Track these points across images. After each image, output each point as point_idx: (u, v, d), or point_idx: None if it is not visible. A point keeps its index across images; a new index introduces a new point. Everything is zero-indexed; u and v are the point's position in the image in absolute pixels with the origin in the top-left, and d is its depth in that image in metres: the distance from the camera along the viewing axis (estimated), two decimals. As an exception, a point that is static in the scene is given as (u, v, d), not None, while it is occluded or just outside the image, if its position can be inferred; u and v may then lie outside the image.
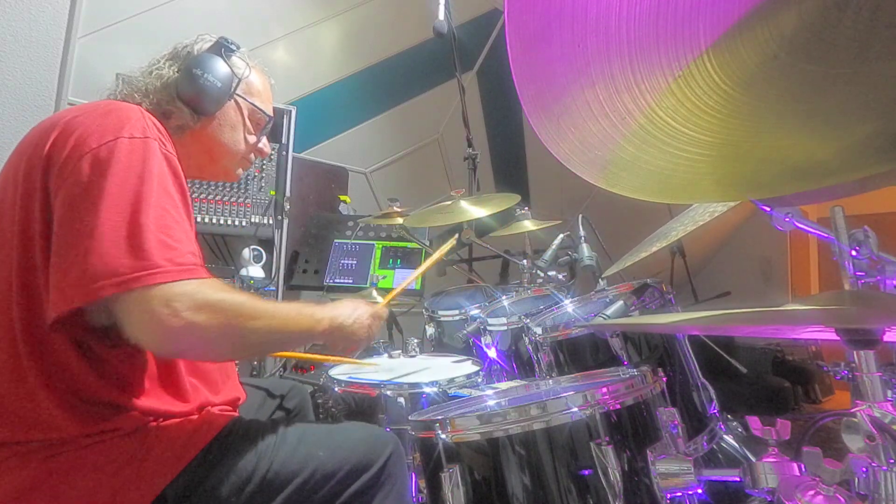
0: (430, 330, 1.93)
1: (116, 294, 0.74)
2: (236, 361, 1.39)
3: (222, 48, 1.09)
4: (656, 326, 1.17)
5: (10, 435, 0.80)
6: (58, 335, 0.81)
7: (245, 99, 1.12)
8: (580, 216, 1.75)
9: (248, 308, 0.84)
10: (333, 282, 2.46)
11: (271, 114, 1.18)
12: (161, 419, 0.89)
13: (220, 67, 1.06)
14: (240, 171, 1.18)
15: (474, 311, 1.77)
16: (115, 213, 0.77)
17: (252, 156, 1.19)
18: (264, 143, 1.20)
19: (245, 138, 1.14)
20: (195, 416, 0.93)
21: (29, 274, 0.82)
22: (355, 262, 2.51)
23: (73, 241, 0.77)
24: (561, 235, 1.84)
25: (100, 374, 0.84)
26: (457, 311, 1.87)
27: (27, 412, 0.80)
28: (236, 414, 1.03)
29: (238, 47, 1.13)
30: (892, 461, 0.61)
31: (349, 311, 1.03)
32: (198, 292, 0.78)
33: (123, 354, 0.86)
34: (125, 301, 0.75)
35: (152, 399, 0.89)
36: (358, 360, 1.59)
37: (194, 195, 2.24)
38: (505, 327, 1.59)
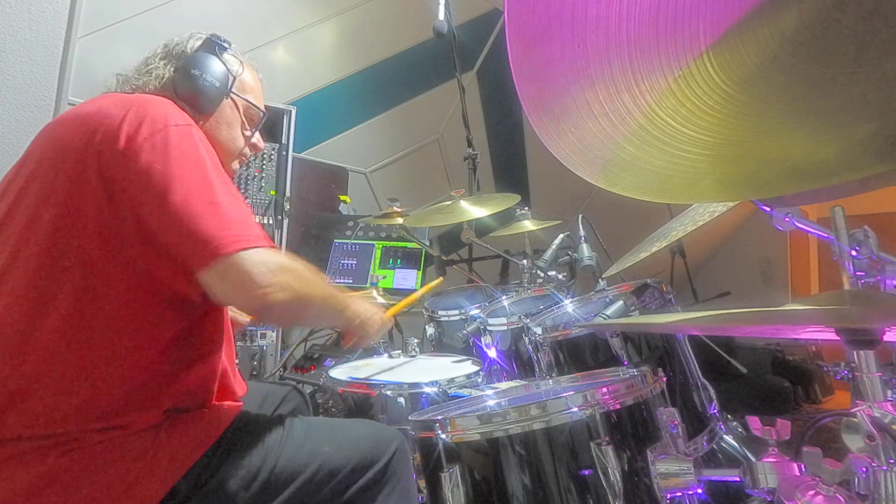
0: (430, 330, 1.93)
1: (220, 258, 0.81)
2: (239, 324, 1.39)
3: (215, 46, 1.11)
4: (656, 326, 1.17)
5: (28, 430, 0.80)
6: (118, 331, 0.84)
7: (239, 96, 1.14)
8: (580, 216, 1.75)
9: (311, 276, 0.94)
10: (334, 282, 2.46)
11: (264, 109, 1.19)
12: (172, 414, 0.89)
13: (215, 66, 1.08)
14: (236, 165, 1.20)
15: (474, 311, 1.77)
16: (195, 193, 0.84)
17: (248, 151, 1.20)
18: (258, 139, 1.22)
19: (242, 135, 1.16)
20: (204, 411, 0.94)
21: (85, 268, 0.83)
22: (355, 262, 2.51)
23: (166, 224, 0.83)
24: (561, 235, 1.84)
25: (123, 372, 0.85)
26: (457, 311, 1.87)
27: (48, 408, 0.80)
28: (241, 406, 1.04)
29: (229, 44, 1.14)
30: (892, 461, 0.61)
31: (367, 308, 1.15)
32: (277, 257, 0.87)
33: (151, 351, 0.87)
34: (223, 265, 0.82)
35: (167, 396, 0.89)
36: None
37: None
38: (505, 327, 1.59)
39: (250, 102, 1.16)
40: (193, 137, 0.90)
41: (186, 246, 0.82)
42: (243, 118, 1.16)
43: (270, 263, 0.84)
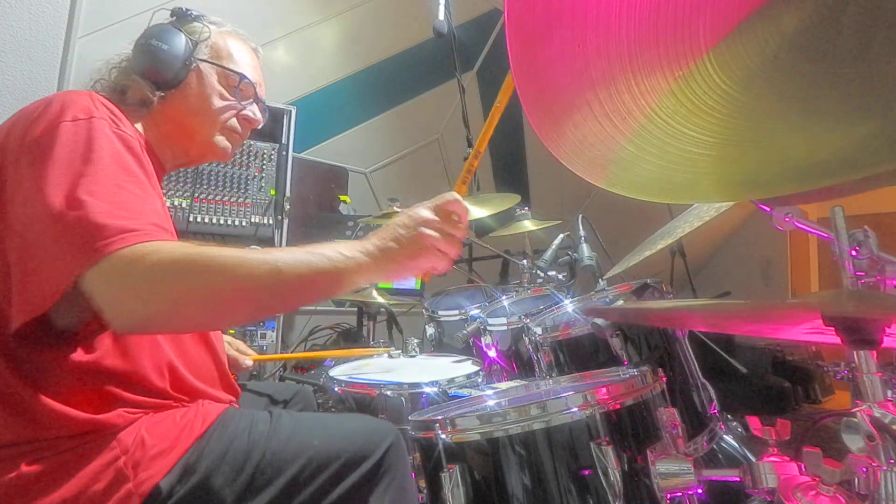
0: (430, 330, 1.93)
1: (78, 276, 0.71)
2: (243, 368, 1.37)
3: (176, 17, 1.06)
4: (655, 317, 1.17)
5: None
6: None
7: (211, 62, 1.07)
8: (580, 216, 1.75)
9: (209, 260, 0.75)
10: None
11: (249, 77, 1.10)
12: (152, 413, 0.87)
13: (172, 35, 1.03)
14: (225, 143, 1.10)
15: (474, 311, 1.77)
16: (63, 198, 0.73)
17: (236, 124, 1.11)
18: (254, 112, 1.13)
19: (215, 103, 1.07)
20: (187, 409, 0.91)
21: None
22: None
23: (30, 239, 0.74)
24: (561, 235, 1.84)
25: (86, 372, 0.82)
26: (457, 311, 1.87)
27: (14, 413, 0.78)
28: (228, 404, 1.02)
29: (198, 14, 1.08)
30: (892, 461, 0.61)
31: (401, 224, 0.89)
32: (148, 255, 0.72)
33: (103, 349, 0.84)
34: (86, 281, 0.71)
35: (144, 394, 0.87)
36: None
37: (194, 196, 2.25)
38: (505, 327, 1.59)
39: (223, 67, 1.07)
40: (90, 131, 0.80)
41: (56, 255, 0.72)
42: (218, 86, 1.07)
43: (138, 265, 0.71)
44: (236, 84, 1.09)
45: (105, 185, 0.76)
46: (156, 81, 1.01)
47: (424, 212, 0.92)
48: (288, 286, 0.80)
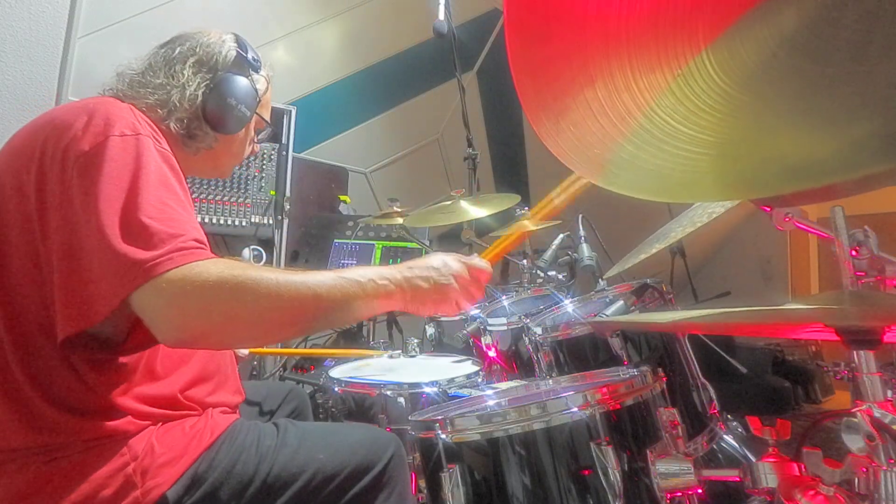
0: (430, 330, 1.93)
1: (129, 293, 0.73)
2: (240, 357, 1.37)
3: (248, 65, 1.08)
4: (656, 326, 1.17)
5: (6, 442, 0.79)
6: (52, 348, 0.79)
7: (259, 115, 1.13)
8: (580, 216, 1.75)
9: (257, 283, 0.79)
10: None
11: (269, 120, 1.20)
12: (161, 422, 0.88)
13: (248, 92, 1.06)
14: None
15: (474, 311, 1.76)
16: (114, 214, 0.75)
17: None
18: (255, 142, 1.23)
19: (248, 148, 1.17)
20: (196, 419, 0.92)
21: (14, 289, 0.81)
22: (355, 262, 2.51)
23: (80, 254, 0.75)
24: (561, 235, 1.84)
25: (97, 382, 0.83)
26: (457, 311, 1.86)
27: (25, 420, 0.79)
28: (237, 416, 1.03)
29: (259, 61, 1.12)
30: (892, 461, 0.61)
31: (432, 265, 0.99)
32: (200, 274, 0.75)
33: (121, 360, 0.86)
34: (137, 298, 0.73)
35: (152, 403, 0.88)
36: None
37: (193, 195, 2.25)
38: (505, 327, 1.59)
39: (264, 119, 1.16)
40: (138, 147, 0.82)
41: (107, 271, 0.74)
42: (253, 132, 1.17)
43: (187, 285, 0.73)
44: (263, 129, 1.19)
45: (153, 203, 0.78)
46: (216, 127, 1.04)
47: (457, 265, 1.03)
48: (324, 311, 0.87)
